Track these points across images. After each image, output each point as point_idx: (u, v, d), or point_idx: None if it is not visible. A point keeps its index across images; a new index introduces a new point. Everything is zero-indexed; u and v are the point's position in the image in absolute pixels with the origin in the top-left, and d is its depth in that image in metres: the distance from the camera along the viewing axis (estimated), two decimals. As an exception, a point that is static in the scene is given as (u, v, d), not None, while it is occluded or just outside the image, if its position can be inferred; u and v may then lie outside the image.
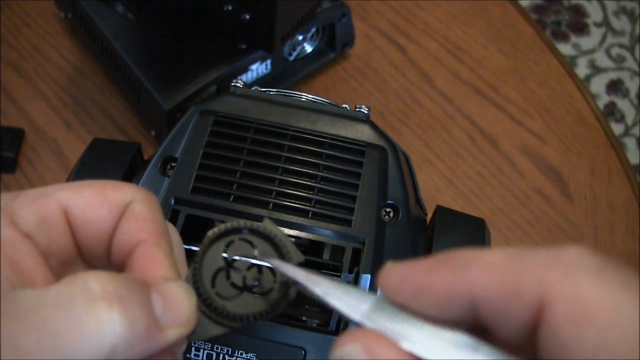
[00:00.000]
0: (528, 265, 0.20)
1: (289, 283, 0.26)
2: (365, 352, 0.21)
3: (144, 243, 0.25)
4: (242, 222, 0.27)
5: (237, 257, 0.26)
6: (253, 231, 0.27)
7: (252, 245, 0.27)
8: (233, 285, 0.26)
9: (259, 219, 0.40)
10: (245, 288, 0.26)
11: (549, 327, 0.19)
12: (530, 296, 0.20)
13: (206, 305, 0.25)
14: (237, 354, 0.38)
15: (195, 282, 0.25)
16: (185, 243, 0.39)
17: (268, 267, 0.26)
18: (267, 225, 0.27)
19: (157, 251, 0.25)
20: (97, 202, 0.25)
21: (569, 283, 0.19)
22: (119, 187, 0.26)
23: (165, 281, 0.24)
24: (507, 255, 0.21)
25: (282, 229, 0.40)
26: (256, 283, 0.26)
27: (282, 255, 0.27)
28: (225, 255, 0.26)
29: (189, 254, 0.40)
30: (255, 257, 0.27)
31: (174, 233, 0.27)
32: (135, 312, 0.22)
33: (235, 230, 0.27)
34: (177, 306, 0.24)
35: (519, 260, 0.20)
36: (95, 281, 0.21)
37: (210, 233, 0.26)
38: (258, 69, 0.61)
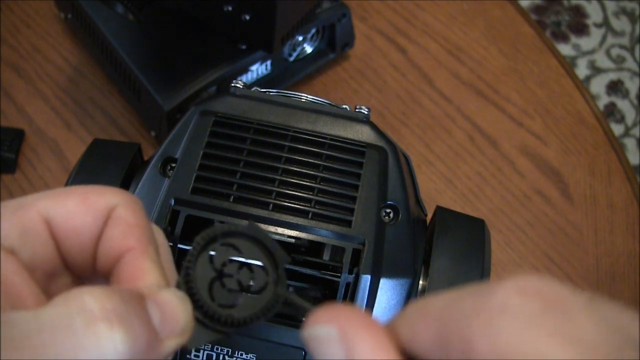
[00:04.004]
0: (456, 316, 0.19)
1: (279, 280, 0.26)
2: (340, 339, 0.20)
3: (131, 251, 0.24)
4: (232, 226, 0.26)
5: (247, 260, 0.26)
6: (243, 234, 0.26)
7: (236, 248, 0.26)
8: (230, 291, 0.25)
9: (259, 219, 0.40)
10: (242, 290, 0.26)
11: None
12: (456, 352, 0.18)
13: (203, 313, 0.25)
14: (237, 354, 0.38)
15: (190, 289, 0.25)
16: (184, 244, 0.40)
17: (258, 265, 0.26)
18: (254, 227, 0.26)
19: (145, 259, 0.24)
20: (79, 210, 0.24)
21: (490, 334, 0.17)
22: (102, 193, 0.25)
23: (159, 290, 0.23)
24: (443, 304, 0.19)
25: (283, 230, 0.40)
26: (251, 283, 0.26)
27: (272, 256, 0.26)
28: (216, 262, 0.26)
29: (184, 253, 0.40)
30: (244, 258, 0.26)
31: (159, 235, 0.27)
32: (136, 329, 0.21)
33: (226, 234, 0.26)
34: (174, 316, 0.23)
35: (450, 310, 0.19)
36: (92, 300, 0.20)
37: (198, 238, 0.25)
38: (258, 69, 0.61)
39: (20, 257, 0.23)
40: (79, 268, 0.25)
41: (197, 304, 0.24)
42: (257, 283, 0.26)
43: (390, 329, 0.20)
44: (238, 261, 0.26)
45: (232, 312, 0.25)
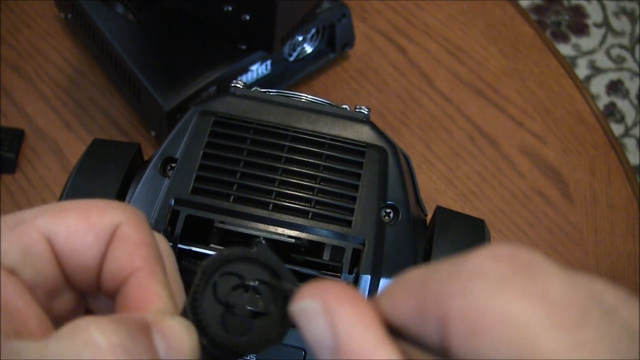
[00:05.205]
0: (432, 284, 0.19)
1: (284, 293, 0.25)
2: (323, 312, 0.20)
3: (138, 272, 0.24)
4: (239, 251, 0.25)
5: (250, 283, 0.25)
6: (250, 259, 0.25)
7: (243, 274, 0.25)
8: (240, 317, 0.24)
9: (259, 219, 0.40)
10: (251, 315, 0.25)
11: (451, 344, 0.18)
12: (433, 317, 0.19)
13: (208, 340, 0.24)
14: (237, 354, 0.38)
15: (197, 318, 0.24)
16: (184, 244, 0.40)
17: (264, 283, 0.25)
18: (264, 252, 0.25)
19: (153, 281, 0.24)
20: (81, 229, 0.23)
21: (463, 296, 0.18)
22: (105, 209, 0.24)
23: (165, 318, 0.23)
24: (421, 275, 0.20)
25: (283, 230, 0.40)
26: (259, 305, 0.25)
27: (280, 280, 0.25)
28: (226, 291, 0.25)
29: (190, 254, 0.40)
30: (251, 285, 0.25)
31: (164, 246, 0.26)
32: None
33: (232, 259, 0.25)
34: (180, 347, 0.22)
35: (427, 279, 0.20)
36: (99, 333, 0.20)
37: (204, 266, 0.24)
38: (258, 69, 0.61)
39: (21, 277, 0.22)
40: (83, 286, 0.25)
41: (203, 331, 0.24)
42: (266, 305, 0.25)
43: (374, 303, 0.21)
44: (244, 286, 0.25)
45: (239, 339, 0.24)
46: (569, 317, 0.17)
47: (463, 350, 0.18)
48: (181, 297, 0.25)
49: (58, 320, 0.22)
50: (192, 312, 0.24)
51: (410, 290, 0.20)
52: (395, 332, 0.20)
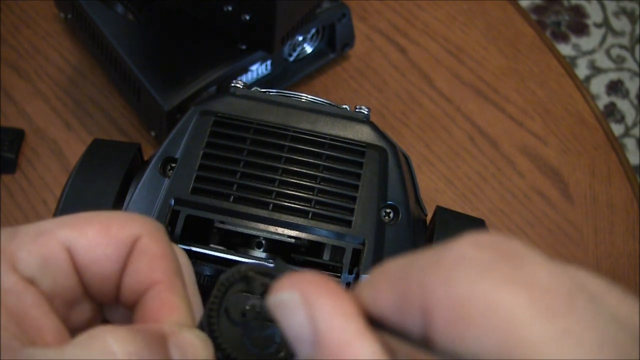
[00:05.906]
0: (414, 272, 0.19)
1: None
2: (301, 304, 0.19)
3: (158, 285, 0.24)
4: (255, 267, 0.24)
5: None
6: (267, 274, 0.24)
7: (257, 288, 0.24)
8: (261, 331, 0.24)
9: (259, 219, 0.40)
10: (267, 324, 0.24)
11: (434, 333, 0.18)
12: (414, 308, 0.18)
13: (224, 355, 0.24)
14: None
15: (212, 332, 0.24)
16: (184, 244, 0.40)
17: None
18: (281, 266, 0.24)
19: (172, 294, 0.24)
20: (102, 241, 0.23)
21: (447, 284, 0.18)
22: (125, 222, 0.24)
23: (182, 331, 0.23)
24: (402, 264, 0.19)
25: (283, 230, 0.40)
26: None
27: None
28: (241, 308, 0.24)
29: (190, 254, 0.40)
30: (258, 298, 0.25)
31: (182, 258, 0.26)
32: None
33: (248, 276, 0.24)
34: (195, 358, 0.22)
35: (409, 268, 0.19)
36: (115, 342, 0.20)
37: (222, 279, 0.24)
38: (258, 69, 0.61)
39: (40, 287, 0.22)
40: (101, 297, 0.25)
41: (219, 347, 0.24)
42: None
43: (355, 293, 0.20)
44: (258, 298, 0.24)
45: (256, 353, 0.24)
46: (554, 304, 0.17)
47: (447, 339, 0.17)
48: (199, 310, 0.25)
49: (75, 331, 0.22)
50: (208, 326, 0.24)
51: (391, 280, 0.19)
52: (377, 323, 0.20)
